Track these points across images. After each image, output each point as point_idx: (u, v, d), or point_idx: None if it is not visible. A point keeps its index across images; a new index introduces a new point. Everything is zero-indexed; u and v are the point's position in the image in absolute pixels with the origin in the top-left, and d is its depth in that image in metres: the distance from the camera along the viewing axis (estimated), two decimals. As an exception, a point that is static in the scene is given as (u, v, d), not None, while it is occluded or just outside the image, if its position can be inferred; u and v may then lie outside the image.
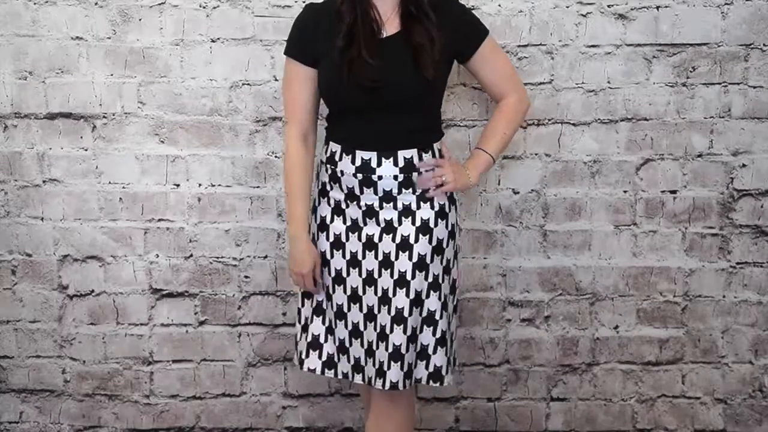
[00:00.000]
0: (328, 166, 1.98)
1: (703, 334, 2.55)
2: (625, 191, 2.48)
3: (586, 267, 2.52)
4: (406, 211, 1.94)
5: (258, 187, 2.48)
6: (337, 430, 2.63)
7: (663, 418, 2.60)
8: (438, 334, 1.95)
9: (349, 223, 1.97)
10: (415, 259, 1.92)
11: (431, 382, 1.96)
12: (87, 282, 2.55)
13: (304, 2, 2.36)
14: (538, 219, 2.50)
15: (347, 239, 1.97)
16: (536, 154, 2.46)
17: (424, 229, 1.94)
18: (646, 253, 2.51)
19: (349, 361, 2.00)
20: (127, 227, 2.51)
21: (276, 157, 2.46)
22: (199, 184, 2.49)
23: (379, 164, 1.91)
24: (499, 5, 2.38)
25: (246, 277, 2.53)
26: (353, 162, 1.93)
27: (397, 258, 1.93)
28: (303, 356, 2.05)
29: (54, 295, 2.56)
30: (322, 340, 2.03)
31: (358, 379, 1.99)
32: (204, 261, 2.53)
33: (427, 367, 1.96)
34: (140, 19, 2.40)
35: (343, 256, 1.97)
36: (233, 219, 2.50)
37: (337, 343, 2.01)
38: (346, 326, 1.99)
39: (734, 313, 2.54)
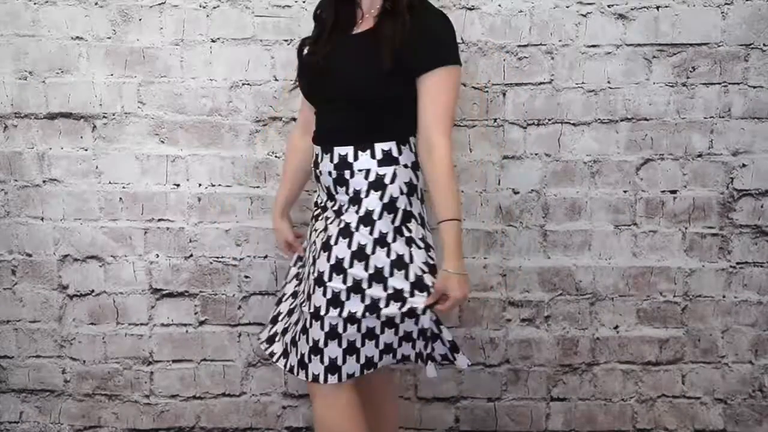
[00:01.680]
0: None
1: (703, 334, 2.55)
2: (625, 191, 2.48)
3: (586, 267, 2.52)
4: (338, 212, 1.91)
5: (258, 187, 2.48)
6: (337, 430, 2.63)
7: (663, 418, 2.60)
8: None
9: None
10: (332, 261, 1.85)
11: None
12: (87, 282, 2.55)
13: (304, 2, 2.37)
14: (538, 219, 2.50)
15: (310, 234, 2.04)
16: (536, 154, 2.46)
17: (346, 232, 1.86)
18: (646, 253, 2.51)
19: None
20: (127, 227, 2.51)
21: (276, 157, 2.46)
22: (199, 184, 2.49)
23: (321, 159, 1.94)
24: (499, 5, 2.38)
25: (246, 277, 2.53)
26: (312, 156, 2.02)
27: (318, 257, 1.89)
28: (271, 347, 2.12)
29: (54, 295, 2.56)
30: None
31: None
32: (204, 261, 2.53)
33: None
34: (140, 19, 2.40)
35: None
36: (233, 219, 2.50)
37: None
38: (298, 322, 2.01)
39: (734, 313, 2.54)
